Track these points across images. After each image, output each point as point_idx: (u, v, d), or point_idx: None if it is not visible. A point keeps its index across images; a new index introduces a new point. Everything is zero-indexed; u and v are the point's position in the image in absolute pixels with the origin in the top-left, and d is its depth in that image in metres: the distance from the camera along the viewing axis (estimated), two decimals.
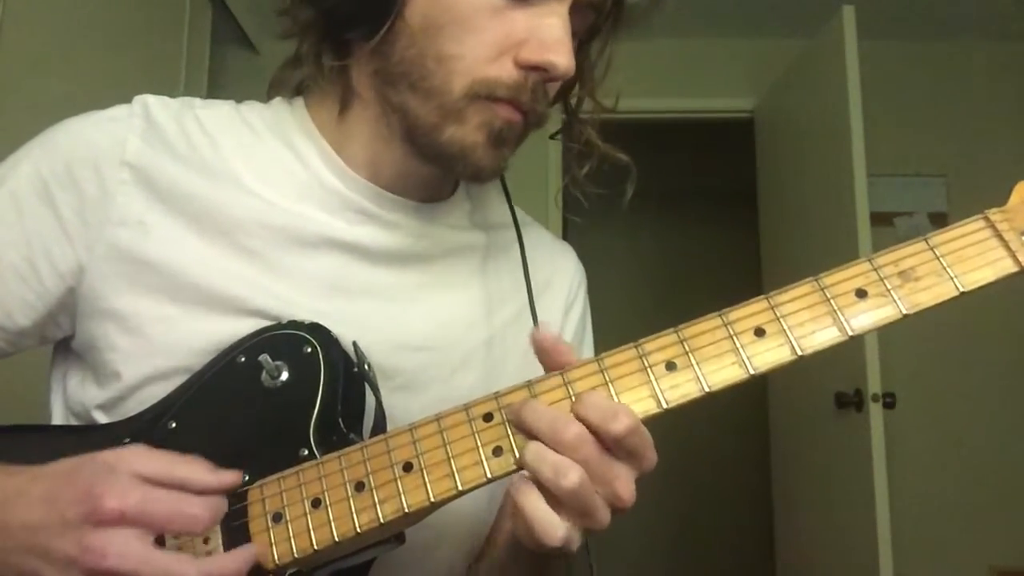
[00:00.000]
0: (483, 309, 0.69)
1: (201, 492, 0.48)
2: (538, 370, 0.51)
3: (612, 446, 0.46)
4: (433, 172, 0.65)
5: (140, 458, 0.48)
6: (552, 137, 0.72)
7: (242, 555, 0.48)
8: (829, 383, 2.34)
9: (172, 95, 0.65)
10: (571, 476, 0.45)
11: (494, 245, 0.72)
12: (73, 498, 0.44)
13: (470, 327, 0.67)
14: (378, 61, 0.60)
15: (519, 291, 0.71)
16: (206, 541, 0.50)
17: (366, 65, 0.61)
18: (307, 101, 0.66)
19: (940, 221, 2.88)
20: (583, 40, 0.64)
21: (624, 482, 0.47)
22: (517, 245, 0.73)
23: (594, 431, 0.46)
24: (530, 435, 0.47)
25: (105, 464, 0.47)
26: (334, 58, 0.62)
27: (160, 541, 0.47)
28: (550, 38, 0.56)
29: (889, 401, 2.20)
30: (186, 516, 0.46)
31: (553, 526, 0.46)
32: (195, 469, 0.49)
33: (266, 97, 0.69)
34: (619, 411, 0.46)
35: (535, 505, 0.46)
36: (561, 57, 0.56)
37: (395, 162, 0.63)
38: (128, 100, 0.64)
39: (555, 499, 0.46)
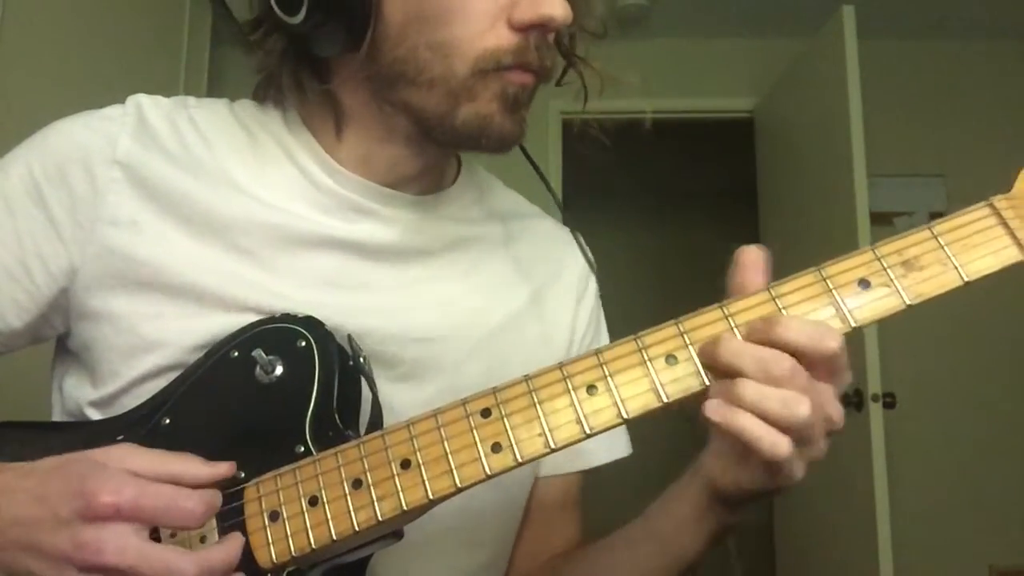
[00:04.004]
0: (489, 300, 0.68)
1: (195, 486, 0.48)
2: (545, 361, 0.51)
3: (820, 366, 0.46)
4: (429, 166, 0.64)
5: (131, 454, 0.48)
6: (559, 83, 0.68)
7: (234, 543, 0.48)
8: None
9: (172, 95, 0.65)
10: (804, 406, 0.44)
11: (499, 234, 0.71)
12: (66, 494, 0.44)
13: (475, 318, 0.67)
14: (369, 68, 0.58)
15: (526, 280, 0.71)
16: (203, 540, 0.50)
17: (355, 76, 0.59)
18: (300, 111, 0.65)
19: None
20: None
21: (834, 403, 0.46)
22: (524, 233, 0.72)
23: (800, 353, 0.45)
24: (729, 374, 0.46)
25: (96, 461, 0.46)
26: (317, 83, 0.61)
27: (155, 539, 0.47)
28: None
29: (889, 401, 2.20)
30: (181, 510, 0.45)
31: (778, 441, 0.44)
32: (188, 464, 0.49)
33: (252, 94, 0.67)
34: (826, 329, 0.46)
35: (754, 424, 0.45)
36: (556, 7, 0.53)
37: (389, 158, 0.62)
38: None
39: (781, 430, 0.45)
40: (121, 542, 0.43)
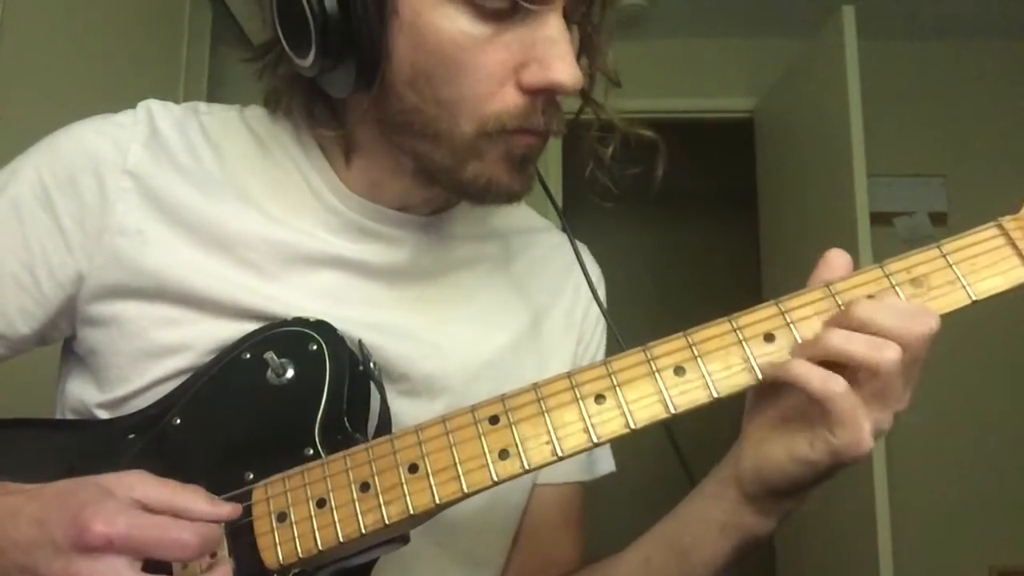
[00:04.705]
0: (491, 322, 0.68)
1: (196, 521, 0.47)
2: None
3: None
4: (438, 193, 0.63)
5: (140, 484, 0.47)
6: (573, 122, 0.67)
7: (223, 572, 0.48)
8: None
9: (172, 95, 0.65)
10: (891, 349, 0.45)
11: (507, 252, 0.71)
12: (63, 521, 0.44)
13: (479, 340, 0.66)
14: (378, 112, 0.57)
15: (525, 301, 0.71)
16: (212, 555, 0.50)
17: (365, 115, 0.58)
18: (312, 132, 0.64)
19: (940, 221, 2.88)
20: (583, 15, 0.59)
21: (908, 388, 0.48)
22: (525, 250, 0.72)
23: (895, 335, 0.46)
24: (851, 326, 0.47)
25: (103, 488, 0.46)
26: (330, 125, 0.60)
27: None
28: (549, 55, 0.52)
29: None
30: (174, 541, 0.45)
31: (828, 377, 0.46)
32: (193, 498, 0.48)
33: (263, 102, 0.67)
34: (925, 312, 0.47)
35: (803, 367, 0.46)
36: (565, 73, 0.52)
37: (398, 187, 0.62)
38: (128, 100, 0.64)
39: (862, 382, 0.46)
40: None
